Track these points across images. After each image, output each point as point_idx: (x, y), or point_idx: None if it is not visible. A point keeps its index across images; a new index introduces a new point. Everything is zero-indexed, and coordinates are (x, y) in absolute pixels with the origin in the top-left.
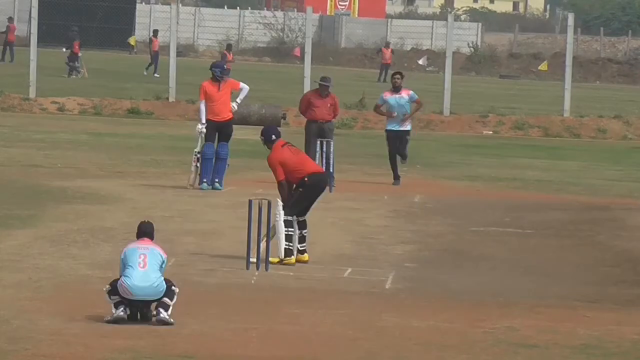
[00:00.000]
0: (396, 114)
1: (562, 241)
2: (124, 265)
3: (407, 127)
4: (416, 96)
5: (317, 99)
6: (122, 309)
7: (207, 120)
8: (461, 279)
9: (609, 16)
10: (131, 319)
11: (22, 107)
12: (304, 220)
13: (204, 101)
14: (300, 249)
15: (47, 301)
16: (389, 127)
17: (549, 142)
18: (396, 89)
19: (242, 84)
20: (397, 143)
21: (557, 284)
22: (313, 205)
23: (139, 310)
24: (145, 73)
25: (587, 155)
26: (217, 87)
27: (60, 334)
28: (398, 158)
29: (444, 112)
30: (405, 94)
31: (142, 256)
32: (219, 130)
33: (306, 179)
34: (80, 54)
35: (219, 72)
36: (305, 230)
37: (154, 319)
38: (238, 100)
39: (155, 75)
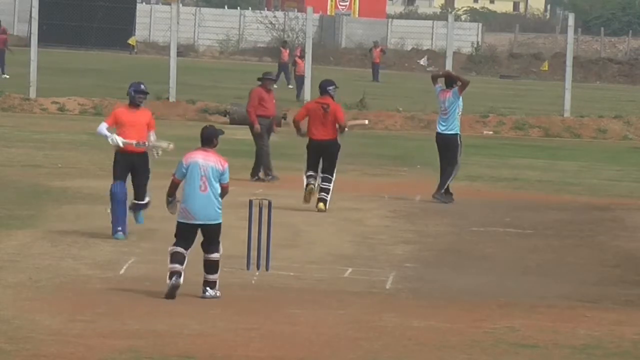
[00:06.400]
0: None
1: (563, 241)
2: (185, 181)
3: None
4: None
5: (265, 94)
6: (175, 278)
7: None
8: (461, 279)
9: (609, 16)
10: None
11: (23, 107)
12: (326, 177)
13: (107, 125)
14: (319, 196)
15: (47, 301)
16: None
17: (549, 142)
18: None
19: (152, 132)
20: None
21: (557, 284)
22: (329, 165)
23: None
24: (290, 86)
25: (587, 155)
26: (133, 112)
27: (61, 334)
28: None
29: None
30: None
31: (203, 178)
32: (133, 166)
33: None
34: None
35: (141, 97)
36: (325, 184)
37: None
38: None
39: (289, 86)
